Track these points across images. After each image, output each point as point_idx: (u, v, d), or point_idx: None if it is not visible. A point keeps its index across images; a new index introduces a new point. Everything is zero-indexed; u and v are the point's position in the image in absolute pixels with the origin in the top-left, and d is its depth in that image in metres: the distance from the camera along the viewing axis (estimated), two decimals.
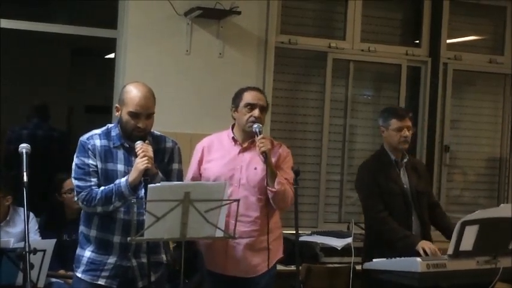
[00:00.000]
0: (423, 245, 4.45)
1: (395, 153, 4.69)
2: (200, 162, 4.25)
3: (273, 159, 4.11)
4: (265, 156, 3.94)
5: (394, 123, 4.64)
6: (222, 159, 4.17)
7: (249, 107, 4.13)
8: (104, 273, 3.66)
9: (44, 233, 4.95)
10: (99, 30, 5.77)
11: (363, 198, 4.76)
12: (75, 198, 3.69)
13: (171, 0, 5.54)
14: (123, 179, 3.56)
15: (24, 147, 3.40)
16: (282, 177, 4.06)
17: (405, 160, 4.70)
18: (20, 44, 6.88)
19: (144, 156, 3.52)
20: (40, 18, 5.70)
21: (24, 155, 3.37)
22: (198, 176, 4.23)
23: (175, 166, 3.78)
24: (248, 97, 4.16)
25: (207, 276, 4.32)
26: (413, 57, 6.55)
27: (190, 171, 4.27)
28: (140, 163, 3.51)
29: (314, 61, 6.33)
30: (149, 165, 3.51)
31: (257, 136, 4.03)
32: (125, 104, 3.65)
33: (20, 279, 3.53)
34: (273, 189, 4.03)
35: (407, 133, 4.65)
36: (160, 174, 3.60)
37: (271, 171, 4.00)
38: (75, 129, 8.11)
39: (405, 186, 4.66)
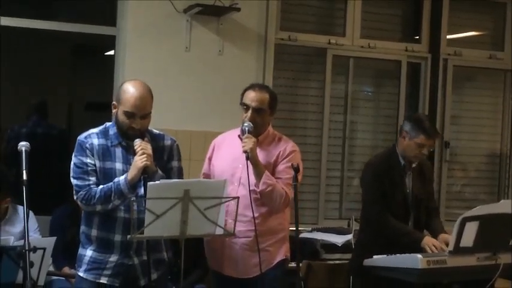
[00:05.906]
0: (428, 241, 4.44)
1: (405, 158, 4.62)
2: (210, 159, 4.26)
3: (272, 156, 4.08)
4: (247, 155, 3.92)
5: (421, 139, 4.50)
6: (228, 157, 4.14)
7: (244, 107, 4.10)
8: (106, 272, 3.65)
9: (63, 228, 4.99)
10: (99, 27, 5.77)
11: (365, 196, 4.75)
12: (75, 197, 3.69)
13: None
14: (122, 177, 3.55)
15: (23, 145, 3.37)
16: (270, 177, 3.99)
17: (413, 165, 4.64)
18: (19, 41, 6.87)
19: (143, 153, 3.51)
20: (40, 16, 5.70)
21: (24, 153, 3.35)
22: (208, 173, 4.24)
23: (174, 164, 3.76)
24: (245, 96, 4.12)
25: (212, 274, 4.31)
26: (413, 53, 6.54)
27: (203, 168, 4.29)
28: (139, 161, 3.50)
29: (314, 57, 6.33)
30: (148, 162, 3.50)
31: (243, 135, 4.01)
32: (121, 103, 3.62)
33: (20, 278, 3.51)
34: (257, 189, 3.99)
35: (426, 152, 4.60)
36: (159, 172, 3.59)
37: (256, 171, 3.96)
38: (75, 126, 8.10)
39: (408, 190, 4.62)
